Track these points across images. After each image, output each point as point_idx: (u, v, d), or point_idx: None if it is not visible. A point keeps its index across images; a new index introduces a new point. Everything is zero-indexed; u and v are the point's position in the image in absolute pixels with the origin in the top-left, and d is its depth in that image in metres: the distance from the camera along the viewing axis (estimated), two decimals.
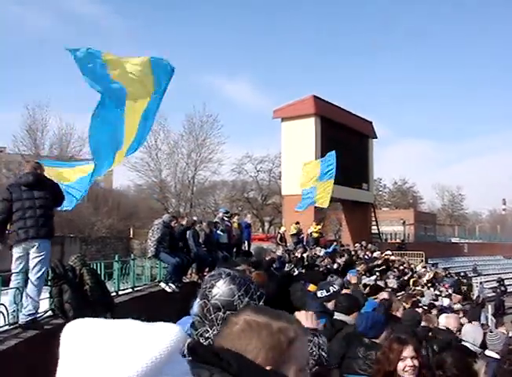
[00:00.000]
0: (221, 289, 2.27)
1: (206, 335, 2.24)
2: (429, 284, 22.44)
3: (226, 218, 16.12)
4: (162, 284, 11.86)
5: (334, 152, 20.04)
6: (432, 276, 24.48)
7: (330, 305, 6.03)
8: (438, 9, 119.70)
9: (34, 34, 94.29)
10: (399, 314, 8.29)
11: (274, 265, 11.19)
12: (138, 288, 11.56)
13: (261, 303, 2.31)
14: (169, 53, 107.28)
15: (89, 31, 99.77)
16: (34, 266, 6.86)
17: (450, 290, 21.45)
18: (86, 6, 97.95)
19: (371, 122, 41.65)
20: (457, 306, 15.34)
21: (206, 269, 13.86)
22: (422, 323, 8.01)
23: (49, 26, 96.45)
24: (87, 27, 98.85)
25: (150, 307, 10.31)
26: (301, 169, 21.91)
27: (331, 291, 6.35)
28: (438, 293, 19.82)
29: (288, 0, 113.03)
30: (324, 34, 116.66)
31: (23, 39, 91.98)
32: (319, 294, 6.47)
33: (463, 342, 6.88)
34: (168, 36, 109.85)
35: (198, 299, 2.36)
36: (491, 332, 6.88)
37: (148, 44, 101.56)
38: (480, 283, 32.79)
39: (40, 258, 6.88)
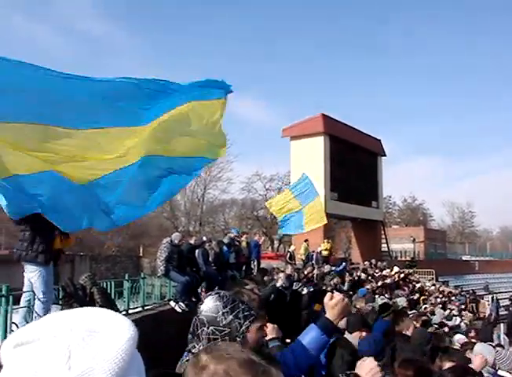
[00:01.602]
0: (207, 305, 2.39)
1: (193, 351, 2.31)
2: (440, 302, 22.30)
3: (237, 239, 16.18)
4: (172, 303, 11.86)
5: (305, 174, 19.69)
6: (442, 294, 24.35)
7: (342, 323, 6.03)
8: (447, 22, 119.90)
9: (45, 52, 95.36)
10: (409, 333, 8.26)
11: (283, 284, 11.17)
12: (148, 307, 11.57)
13: (246, 323, 2.38)
14: (176, 71, 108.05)
15: (98, 48, 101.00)
16: (34, 285, 6.99)
17: (459, 308, 21.30)
18: (95, 24, 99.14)
19: (379, 140, 41.73)
20: (464, 324, 15.24)
21: (216, 288, 13.88)
22: (434, 343, 7.96)
23: (59, 44, 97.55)
24: (97, 45, 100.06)
25: (160, 326, 10.32)
26: (270, 204, 21.28)
27: None
28: (449, 312, 19.68)
29: (298, 18, 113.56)
30: (333, 54, 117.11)
31: (34, 58, 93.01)
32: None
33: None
34: (176, 54, 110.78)
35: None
36: (498, 350, 6.84)
37: (155, 61, 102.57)
38: (492, 301, 32.50)
39: (33, 278, 7.00)
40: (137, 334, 0.91)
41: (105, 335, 0.87)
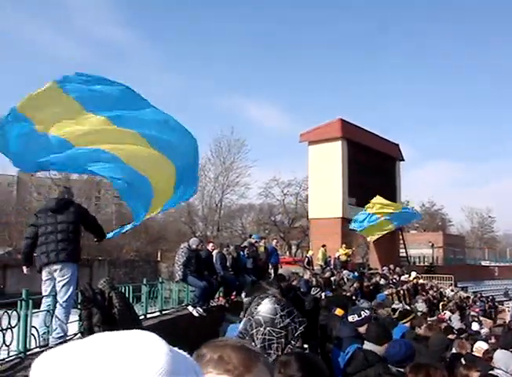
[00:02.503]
0: (265, 306, 2.34)
1: None
2: (459, 308, 22.06)
3: (255, 245, 16.19)
4: (190, 308, 11.87)
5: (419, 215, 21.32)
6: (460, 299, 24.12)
7: (362, 329, 5.99)
8: (465, 30, 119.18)
9: (65, 60, 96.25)
10: (421, 331, 8.21)
11: (301, 290, 11.13)
12: (166, 312, 11.59)
13: (301, 328, 2.34)
14: (196, 77, 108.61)
15: (115, 55, 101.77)
16: (60, 289, 7.00)
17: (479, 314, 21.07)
18: (115, 31, 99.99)
19: (397, 145, 41.51)
20: (484, 331, 15.04)
21: (234, 293, 13.86)
22: (455, 350, 7.87)
23: (76, 50, 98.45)
24: (113, 52, 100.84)
25: (177, 331, 10.33)
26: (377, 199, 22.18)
27: (363, 316, 6.32)
28: (469, 318, 19.46)
29: (314, 22, 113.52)
30: (351, 58, 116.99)
31: (55, 66, 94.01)
32: (350, 318, 6.45)
33: (495, 370, 6.71)
34: (195, 59, 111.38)
35: (244, 317, 2.42)
36: None
37: (173, 67, 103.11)
38: None
39: (64, 281, 7.00)
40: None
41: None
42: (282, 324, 2.30)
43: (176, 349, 0.93)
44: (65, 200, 7.37)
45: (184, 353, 0.97)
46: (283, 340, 2.29)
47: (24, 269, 7.37)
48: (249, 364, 1.16)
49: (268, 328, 2.27)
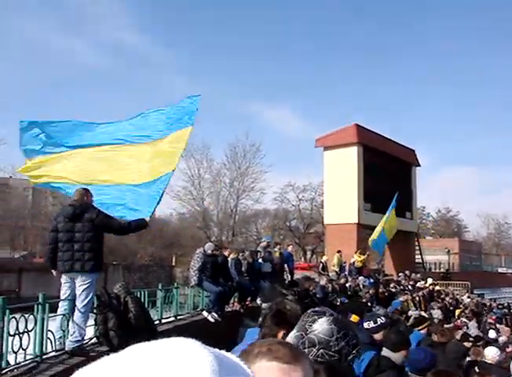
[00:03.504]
0: (322, 326, 2.25)
1: None
2: (475, 315, 21.84)
3: (268, 249, 16.12)
4: (205, 313, 11.86)
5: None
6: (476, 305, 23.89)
7: (377, 336, 5.94)
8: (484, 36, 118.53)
9: (83, 66, 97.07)
10: (436, 338, 8.14)
11: (317, 295, 11.10)
12: (181, 317, 11.59)
13: (354, 352, 2.28)
14: (211, 81, 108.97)
15: (136, 61, 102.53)
16: (80, 294, 6.99)
17: (496, 321, 20.82)
18: (134, 37, 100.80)
19: (413, 151, 41.33)
20: (502, 339, 14.84)
21: (249, 299, 13.84)
22: (470, 357, 7.80)
23: (97, 57, 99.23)
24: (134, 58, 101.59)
25: (192, 336, 10.24)
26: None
27: (379, 323, 6.26)
28: (486, 325, 19.24)
29: (330, 28, 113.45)
30: (367, 64, 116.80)
31: (73, 71, 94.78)
32: (366, 325, 6.39)
33: None
34: (210, 64, 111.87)
35: (295, 331, 2.35)
36: None
37: (189, 72, 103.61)
38: None
39: (84, 286, 7.00)
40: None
41: None
42: (336, 347, 2.23)
43: (217, 350, 0.94)
44: (82, 207, 7.20)
45: (228, 354, 0.99)
46: None
47: (54, 272, 7.36)
48: (296, 355, 1.20)
49: (321, 350, 2.21)
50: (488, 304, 30.11)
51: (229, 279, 12.84)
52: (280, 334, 3.07)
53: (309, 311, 2.42)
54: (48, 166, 7.57)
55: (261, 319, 3.30)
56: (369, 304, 13.26)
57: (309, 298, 8.80)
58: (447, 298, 24.24)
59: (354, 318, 7.79)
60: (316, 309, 2.42)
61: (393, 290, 20.12)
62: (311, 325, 2.28)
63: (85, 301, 7.01)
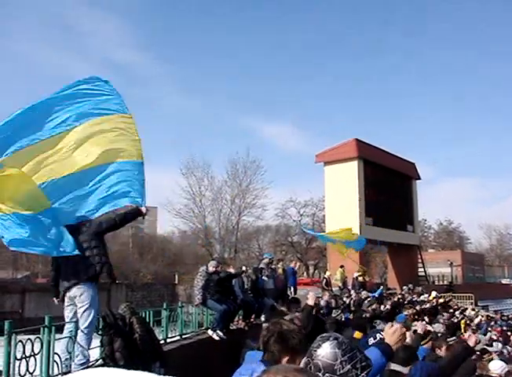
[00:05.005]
0: (325, 350, 2.27)
1: None
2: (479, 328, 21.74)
3: (271, 266, 16.05)
4: (210, 332, 11.83)
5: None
6: (482, 319, 23.75)
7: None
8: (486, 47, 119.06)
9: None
10: (442, 353, 8.11)
11: (321, 311, 11.06)
12: (186, 336, 11.56)
13: (363, 374, 2.29)
14: (211, 98, 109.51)
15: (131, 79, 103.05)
16: (81, 315, 6.98)
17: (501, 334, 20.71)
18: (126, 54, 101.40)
19: (413, 164, 41.43)
20: (506, 350, 14.79)
21: (253, 316, 13.81)
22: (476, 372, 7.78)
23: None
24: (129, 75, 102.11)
25: (198, 355, 10.31)
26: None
27: (378, 338, 6.26)
28: (491, 338, 19.17)
29: (328, 44, 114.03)
30: (366, 78, 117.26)
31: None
32: (370, 341, 6.40)
33: None
34: (210, 81, 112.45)
35: (305, 357, 2.37)
36: None
37: (187, 87, 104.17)
38: None
39: (84, 307, 6.96)
40: None
41: None
42: (342, 371, 2.23)
43: None
44: (77, 224, 7.23)
45: None
46: None
47: (55, 300, 7.36)
48: None
49: (327, 374, 2.22)
50: (492, 315, 29.98)
51: (233, 296, 12.82)
52: (284, 360, 3.10)
53: (318, 337, 2.44)
54: None
55: (260, 341, 3.32)
56: (373, 319, 13.20)
57: (313, 317, 8.74)
58: (451, 311, 24.15)
59: (357, 334, 7.80)
60: (324, 334, 2.44)
61: (387, 305, 20.08)
62: (316, 350, 2.30)
63: (87, 323, 6.98)
